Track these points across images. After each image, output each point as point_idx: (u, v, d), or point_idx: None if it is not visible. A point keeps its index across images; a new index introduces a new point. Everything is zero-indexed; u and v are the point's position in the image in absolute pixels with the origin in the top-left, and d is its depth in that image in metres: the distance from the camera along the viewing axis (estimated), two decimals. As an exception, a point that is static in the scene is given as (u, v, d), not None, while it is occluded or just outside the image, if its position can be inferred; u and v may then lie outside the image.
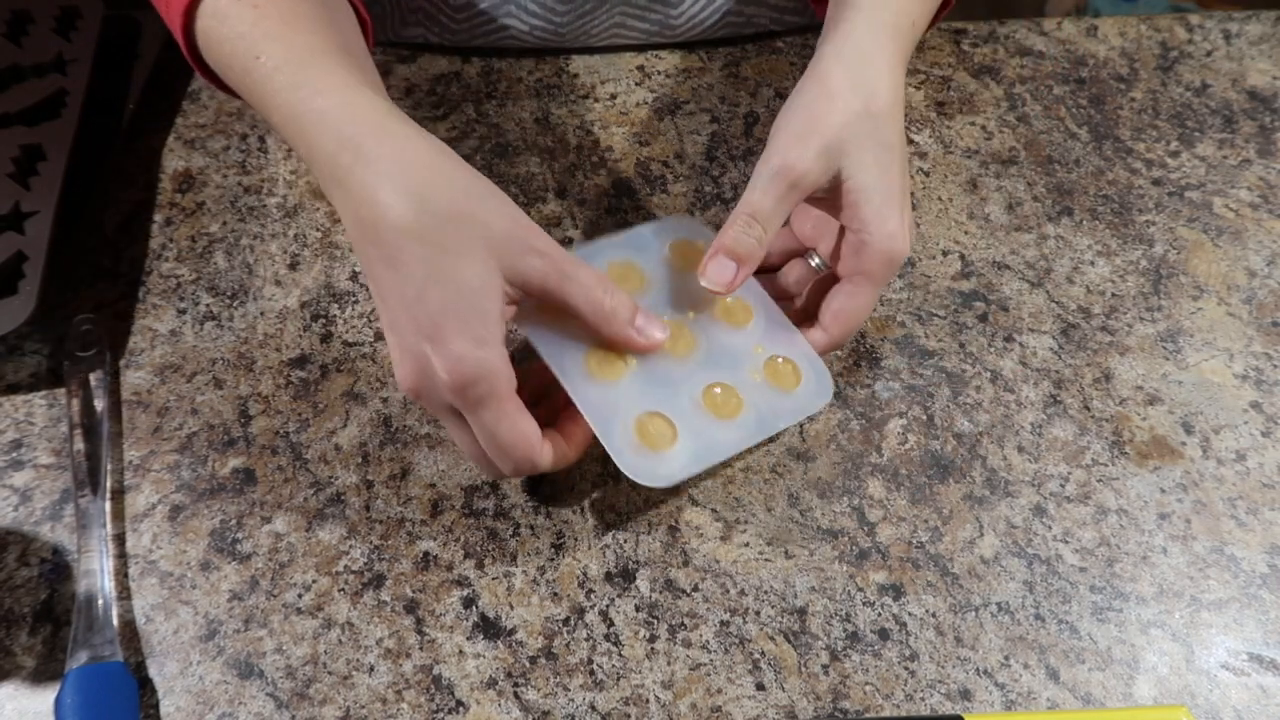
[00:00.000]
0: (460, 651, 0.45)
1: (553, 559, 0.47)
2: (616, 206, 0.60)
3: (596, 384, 0.45)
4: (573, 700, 0.43)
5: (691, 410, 0.45)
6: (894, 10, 0.48)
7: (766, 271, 0.53)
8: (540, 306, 0.44)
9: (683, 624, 0.45)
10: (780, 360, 0.48)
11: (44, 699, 0.43)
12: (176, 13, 0.46)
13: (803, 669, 0.44)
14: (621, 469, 0.43)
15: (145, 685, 0.44)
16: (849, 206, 0.46)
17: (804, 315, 0.50)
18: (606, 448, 0.43)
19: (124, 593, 0.46)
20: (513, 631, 0.45)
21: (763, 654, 0.45)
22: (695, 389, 0.46)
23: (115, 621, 0.44)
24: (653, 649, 0.45)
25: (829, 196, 0.47)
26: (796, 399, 0.47)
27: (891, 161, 0.46)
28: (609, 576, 0.47)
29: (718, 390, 0.46)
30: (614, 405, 0.44)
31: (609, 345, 0.45)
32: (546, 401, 0.46)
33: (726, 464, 0.50)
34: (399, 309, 0.40)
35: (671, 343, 0.47)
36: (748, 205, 0.45)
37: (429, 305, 0.40)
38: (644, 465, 0.43)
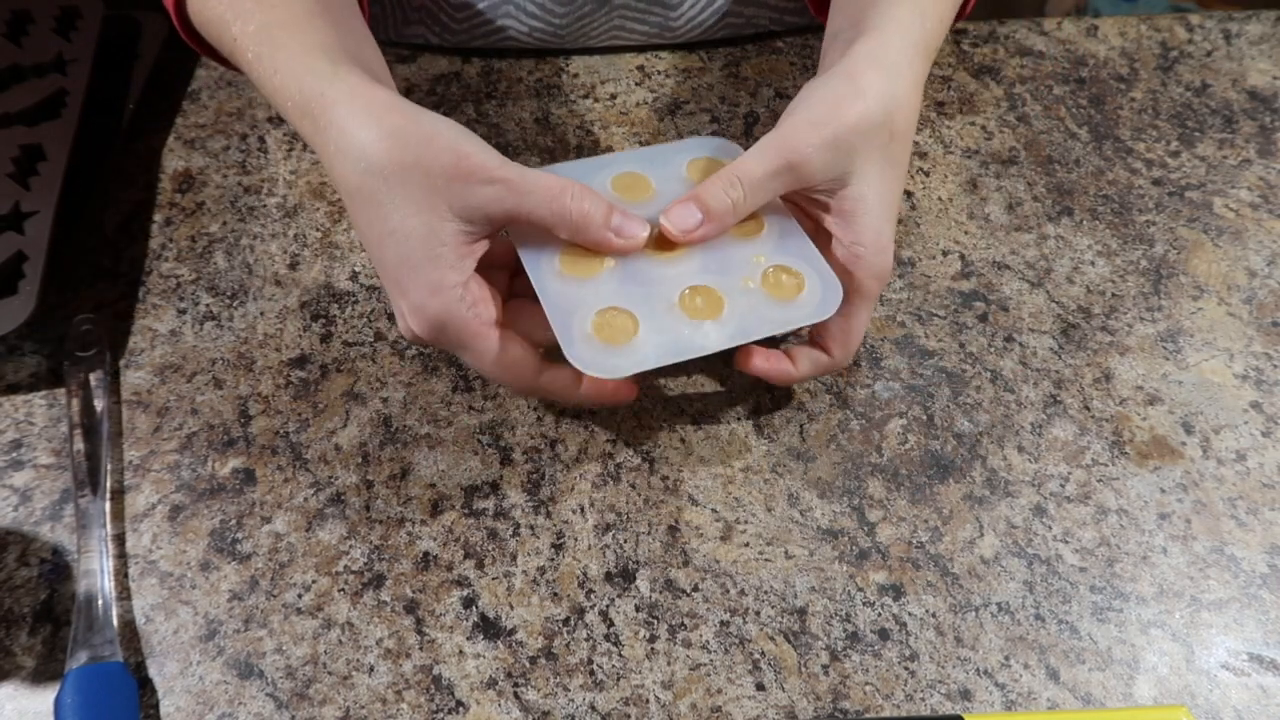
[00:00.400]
0: (460, 651, 0.45)
1: (553, 559, 0.47)
2: (616, 206, 0.60)
3: (566, 281, 0.44)
4: (573, 700, 0.43)
5: (663, 310, 0.43)
6: (925, 29, 0.47)
7: None
8: None
9: (683, 624, 0.45)
10: (781, 270, 0.45)
11: (44, 699, 0.43)
12: (170, 2, 0.49)
13: (803, 669, 0.44)
14: (569, 359, 0.42)
15: (145, 685, 0.44)
16: (846, 215, 0.45)
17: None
18: (559, 340, 0.42)
19: (124, 593, 0.46)
20: (513, 631, 0.45)
21: (763, 654, 0.45)
22: (673, 291, 0.44)
23: (115, 621, 0.44)
24: (653, 649, 0.45)
25: (823, 199, 0.46)
26: (794, 308, 0.44)
27: (895, 180, 0.45)
28: (609, 576, 0.47)
29: (698, 292, 0.44)
30: (577, 301, 0.43)
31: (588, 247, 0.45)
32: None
33: (726, 463, 0.50)
34: (378, 266, 0.43)
35: (659, 245, 0.45)
36: (738, 166, 0.44)
37: (387, 262, 0.42)
38: (593, 357, 0.42)
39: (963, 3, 0.52)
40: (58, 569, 0.47)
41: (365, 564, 0.47)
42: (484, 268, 0.44)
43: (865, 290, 0.46)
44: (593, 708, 0.43)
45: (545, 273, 0.44)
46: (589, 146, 0.62)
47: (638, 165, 0.49)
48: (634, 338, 0.43)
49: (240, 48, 0.45)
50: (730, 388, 0.53)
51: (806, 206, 0.47)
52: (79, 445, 0.49)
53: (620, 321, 0.43)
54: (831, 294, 0.45)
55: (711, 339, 0.43)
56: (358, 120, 0.41)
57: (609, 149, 0.62)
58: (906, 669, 0.44)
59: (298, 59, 0.43)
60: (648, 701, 0.43)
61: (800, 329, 0.49)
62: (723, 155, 0.49)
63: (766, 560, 0.47)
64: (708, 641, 0.45)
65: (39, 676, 0.44)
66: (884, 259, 0.45)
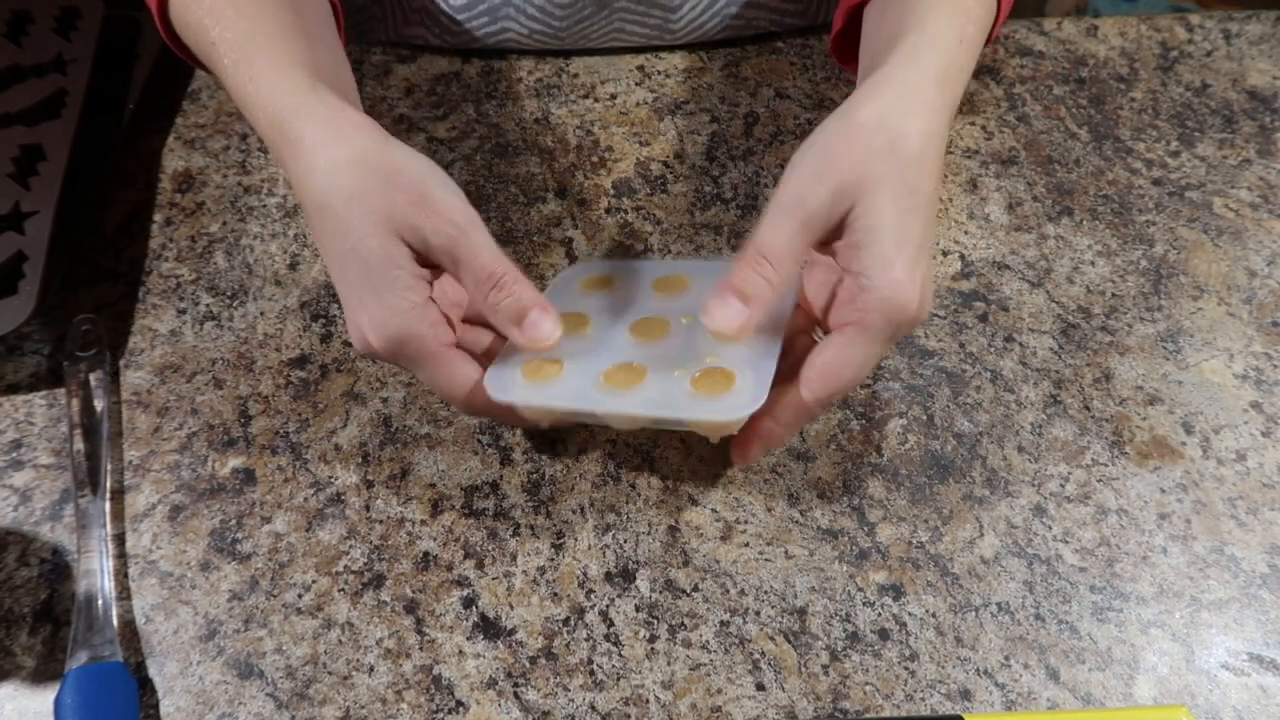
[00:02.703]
0: (460, 651, 0.45)
1: (553, 559, 0.47)
2: (616, 206, 0.60)
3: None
4: (573, 700, 0.43)
5: (589, 370, 0.45)
6: (939, 60, 0.44)
7: None
8: None
9: (683, 624, 0.45)
10: (718, 372, 0.44)
11: (44, 699, 0.43)
12: (153, 3, 0.50)
13: (803, 669, 0.44)
14: (485, 380, 0.44)
15: (145, 685, 0.44)
16: (853, 248, 0.41)
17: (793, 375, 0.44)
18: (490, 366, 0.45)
19: (124, 593, 0.46)
20: (513, 631, 0.45)
21: (763, 654, 0.45)
22: (607, 362, 0.45)
23: (115, 621, 0.44)
24: (653, 649, 0.45)
25: (842, 241, 0.42)
26: (706, 401, 0.43)
27: (913, 207, 0.41)
28: (609, 576, 0.47)
29: (623, 368, 0.45)
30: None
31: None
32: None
33: (726, 463, 0.50)
34: (338, 281, 0.44)
35: (645, 331, 0.47)
36: (757, 242, 0.42)
37: (349, 278, 0.43)
38: (503, 384, 0.44)
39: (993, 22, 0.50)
40: (58, 569, 0.47)
41: (365, 564, 0.47)
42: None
43: (866, 324, 0.41)
44: (593, 708, 0.43)
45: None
46: (589, 146, 0.62)
47: (684, 271, 0.51)
48: (550, 381, 0.45)
49: (218, 53, 0.46)
50: (730, 388, 0.53)
51: (825, 252, 0.44)
52: (79, 445, 0.49)
53: (548, 369, 0.45)
54: (758, 394, 0.42)
55: (607, 402, 0.44)
56: (330, 138, 0.43)
57: (609, 149, 0.62)
58: (906, 669, 0.44)
59: (275, 70, 0.44)
60: (648, 701, 0.43)
61: (715, 418, 0.44)
62: None
63: (766, 560, 0.47)
64: (708, 641, 0.45)
65: (39, 676, 0.44)
66: (895, 291, 0.41)
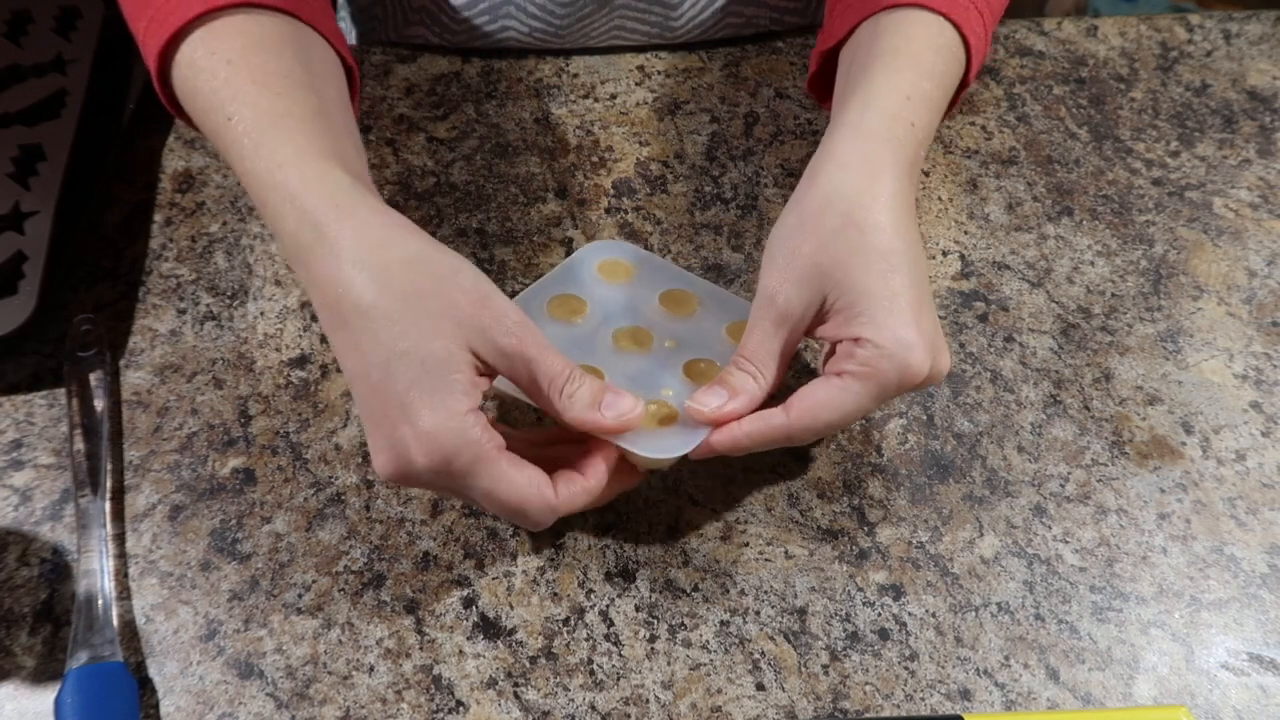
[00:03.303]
0: (460, 651, 0.45)
1: (553, 559, 0.47)
2: (616, 206, 0.60)
3: (547, 320, 0.49)
4: (573, 700, 0.43)
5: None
6: (883, 120, 0.45)
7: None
8: None
9: (683, 624, 0.45)
10: (664, 407, 0.46)
11: (44, 699, 0.43)
12: (151, 58, 0.45)
13: (803, 669, 0.44)
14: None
15: (145, 685, 0.44)
16: (848, 322, 0.42)
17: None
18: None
19: (124, 593, 0.46)
20: (513, 631, 0.45)
21: (763, 654, 0.45)
22: (583, 359, 0.46)
23: (115, 621, 0.44)
24: (653, 649, 0.45)
25: (829, 324, 0.44)
26: (641, 434, 0.44)
27: (892, 268, 0.42)
28: (609, 576, 0.47)
29: (589, 370, 0.46)
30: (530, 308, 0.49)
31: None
32: (550, 450, 0.45)
33: (726, 463, 0.50)
34: (369, 395, 0.40)
35: (628, 341, 0.48)
36: (743, 348, 0.44)
37: (396, 384, 0.39)
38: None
39: (965, 71, 0.50)
40: (58, 569, 0.47)
41: (365, 564, 0.47)
42: None
43: (865, 376, 0.42)
44: (593, 708, 0.43)
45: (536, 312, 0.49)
46: (589, 146, 0.62)
47: (684, 286, 0.52)
48: None
49: (234, 131, 0.43)
50: (730, 388, 0.53)
51: (826, 337, 0.45)
52: (79, 445, 0.49)
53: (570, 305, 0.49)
54: (687, 442, 0.44)
55: None
56: (376, 241, 0.40)
57: (609, 149, 0.62)
58: (906, 669, 0.44)
59: (307, 161, 0.41)
60: (648, 701, 0.43)
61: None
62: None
63: (766, 560, 0.47)
64: (708, 641, 0.45)
65: (39, 676, 0.44)
66: (901, 348, 0.41)
